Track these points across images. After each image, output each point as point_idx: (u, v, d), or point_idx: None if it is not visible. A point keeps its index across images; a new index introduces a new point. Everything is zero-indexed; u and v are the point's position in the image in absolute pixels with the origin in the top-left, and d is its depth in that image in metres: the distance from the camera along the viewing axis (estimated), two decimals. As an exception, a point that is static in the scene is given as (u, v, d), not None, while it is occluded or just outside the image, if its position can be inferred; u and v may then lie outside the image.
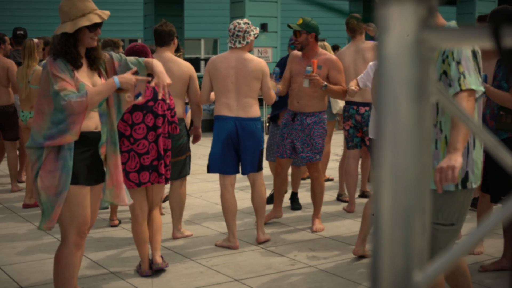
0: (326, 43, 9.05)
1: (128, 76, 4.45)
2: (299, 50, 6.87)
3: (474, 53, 3.67)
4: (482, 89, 3.65)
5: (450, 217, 3.76)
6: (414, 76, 0.78)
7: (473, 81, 3.63)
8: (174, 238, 6.59)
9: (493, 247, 6.00)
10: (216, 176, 9.63)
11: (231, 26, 6.31)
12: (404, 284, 0.81)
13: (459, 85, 3.63)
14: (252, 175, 6.44)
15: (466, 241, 0.81)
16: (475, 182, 3.79)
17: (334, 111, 8.94)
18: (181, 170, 6.56)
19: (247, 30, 6.29)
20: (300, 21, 6.80)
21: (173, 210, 6.59)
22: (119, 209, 7.53)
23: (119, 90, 4.49)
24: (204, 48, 26.25)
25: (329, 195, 8.50)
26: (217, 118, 6.30)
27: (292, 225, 7.17)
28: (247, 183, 8.35)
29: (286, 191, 7.45)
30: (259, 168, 6.44)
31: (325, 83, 6.55)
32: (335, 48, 12.93)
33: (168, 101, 5.29)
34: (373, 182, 0.82)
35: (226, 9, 17.40)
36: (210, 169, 6.39)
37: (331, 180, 9.63)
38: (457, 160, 3.39)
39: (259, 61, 6.38)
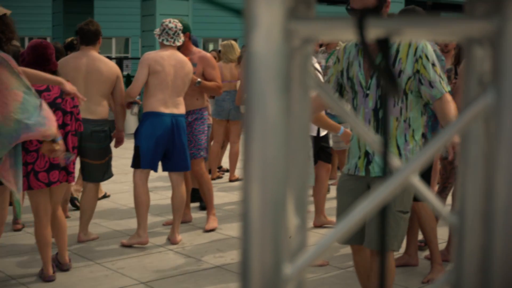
0: (233, 42, 9.15)
1: None
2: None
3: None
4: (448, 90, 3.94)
5: (408, 205, 3.98)
6: (282, 68, 0.78)
7: (446, 83, 3.94)
8: (80, 241, 6.47)
9: (397, 245, 6.12)
10: (124, 178, 9.54)
11: (171, 25, 6.35)
12: (274, 278, 0.81)
13: (443, 87, 3.89)
14: (177, 174, 6.43)
15: (334, 232, 0.81)
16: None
17: None
18: (104, 172, 6.53)
19: (181, 29, 6.43)
20: None
21: (84, 213, 6.48)
22: (24, 213, 7.33)
23: None
24: (115, 47, 25.92)
25: (236, 195, 8.51)
26: (151, 114, 6.26)
27: (201, 225, 7.14)
28: (153, 184, 8.28)
29: (190, 192, 7.41)
30: (189, 166, 6.50)
31: (199, 79, 6.67)
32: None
33: (74, 98, 5.26)
34: (242, 177, 0.81)
35: (137, 7, 17.24)
36: (142, 164, 6.30)
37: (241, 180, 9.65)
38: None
39: (189, 61, 6.57)
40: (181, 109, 6.39)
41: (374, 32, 0.76)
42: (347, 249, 6.16)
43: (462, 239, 0.88)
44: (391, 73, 0.77)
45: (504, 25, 0.73)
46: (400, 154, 3.92)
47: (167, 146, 6.31)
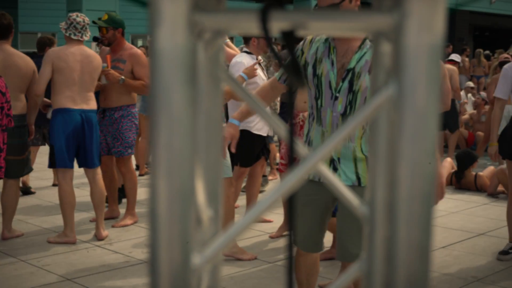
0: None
1: None
2: (107, 45, 6.88)
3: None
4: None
5: None
6: (187, 61, 0.78)
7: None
8: (4, 238, 6.34)
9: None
10: (49, 174, 9.37)
11: (79, 19, 6.22)
12: (182, 269, 0.81)
13: None
14: (92, 170, 6.35)
15: (241, 223, 0.82)
16: None
17: None
18: (24, 167, 6.40)
19: (88, 23, 6.32)
20: (106, 17, 6.77)
21: (6, 209, 6.35)
22: None
23: None
24: (41, 42, 25.44)
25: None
26: (60, 111, 6.14)
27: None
28: (80, 180, 8.18)
29: (117, 188, 7.33)
30: (100, 162, 6.41)
31: (122, 77, 6.57)
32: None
33: (6, 94, 5.14)
34: (150, 167, 0.82)
35: (63, 2, 16.95)
36: (58, 164, 6.19)
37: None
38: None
39: (98, 56, 6.48)
40: (91, 105, 6.29)
41: (279, 25, 0.78)
42: (276, 243, 6.21)
43: (373, 229, 0.90)
44: (296, 66, 0.78)
45: (403, 20, 0.76)
46: (367, 162, 3.66)
47: (78, 142, 6.23)
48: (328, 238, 5.95)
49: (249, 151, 6.24)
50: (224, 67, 0.98)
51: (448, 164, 9.65)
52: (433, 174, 0.78)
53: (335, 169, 3.71)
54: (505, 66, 5.74)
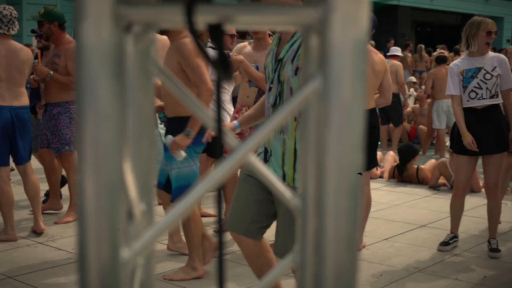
0: None
1: None
2: (46, 40, 6.77)
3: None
4: None
5: None
6: (113, 54, 0.78)
7: None
8: None
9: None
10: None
11: (6, 12, 6.07)
12: (111, 263, 0.81)
13: None
14: (22, 166, 6.26)
15: (170, 215, 0.82)
16: None
17: None
18: None
19: (16, 16, 6.15)
20: (42, 10, 6.65)
21: None
22: None
23: None
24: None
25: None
26: None
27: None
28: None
29: (58, 181, 7.24)
30: (30, 157, 6.32)
31: (50, 72, 6.48)
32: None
33: None
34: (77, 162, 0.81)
35: (3, -5, 16.63)
36: None
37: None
38: None
39: (28, 49, 6.27)
40: (22, 101, 6.16)
41: (205, 18, 0.78)
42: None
43: (305, 222, 0.91)
44: (224, 59, 0.78)
45: (329, 14, 0.76)
46: (296, 157, 3.60)
47: (10, 139, 6.12)
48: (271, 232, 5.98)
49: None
50: (156, 61, 0.97)
51: (390, 158, 9.78)
52: (359, 167, 0.79)
53: (265, 161, 3.66)
54: (451, 65, 5.85)
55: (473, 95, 5.64)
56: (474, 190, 8.30)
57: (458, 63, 5.76)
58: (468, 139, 5.63)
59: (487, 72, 5.61)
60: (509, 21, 32.00)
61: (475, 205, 7.59)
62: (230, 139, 0.87)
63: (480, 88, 5.61)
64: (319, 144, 0.79)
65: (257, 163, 0.90)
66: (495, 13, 30.68)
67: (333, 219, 0.80)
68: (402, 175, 9.16)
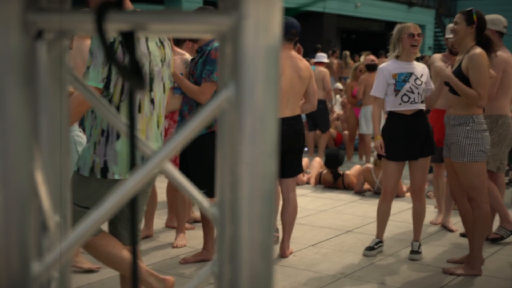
0: None
1: None
2: None
3: (112, 44, 3.40)
4: (100, 86, 3.51)
5: (84, 201, 3.64)
6: (21, 61, 0.76)
7: (92, 77, 3.51)
8: None
9: (196, 239, 6.20)
10: None
11: None
12: (21, 277, 0.79)
13: (85, 79, 3.52)
14: None
15: (83, 227, 0.81)
16: (119, 173, 3.62)
17: None
18: None
19: None
20: None
21: None
22: None
23: None
24: None
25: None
26: None
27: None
28: None
29: None
30: None
31: None
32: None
33: None
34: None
35: None
36: None
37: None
38: None
39: None
40: None
41: (117, 26, 0.77)
42: (190, 269, 6.15)
43: (222, 230, 0.91)
44: (137, 67, 0.77)
45: (241, 21, 0.76)
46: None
47: None
48: (201, 240, 5.97)
49: None
50: (70, 68, 0.96)
51: (317, 164, 9.88)
52: (273, 174, 0.80)
53: None
54: (380, 67, 5.96)
55: (405, 98, 5.76)
56: (398, 195, 8.46)
57: (388, 66, 5.87)
58: (377, 142, 5.78)
59: (418, 78, 5.75)
60: (430, 29, 32.79)
61: (400, 210, 7.73)
62: (145, 147, 0.86)
63: (412, 92, 5.73)
64: (233, 152, 0.79)
65: (174, 171, 0.90)
66: (418, 21, 31.35)
67: (247, 226, 0.80)
68: (328, 180, 9.25)
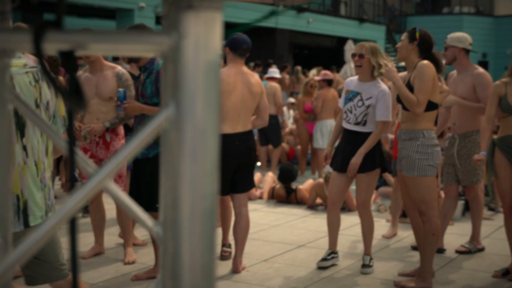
0: None
1: None
2: None
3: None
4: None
5: (52, 256, 3.56)
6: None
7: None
8: None
9: (147, 256, 6.16)
10: None
11: None
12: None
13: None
14: None
15: (21, 248, 0.80)
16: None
17: None
18: None
19: None
20: None
21: None
22: None
23: None
24: None
25: None
26: None
27: None
28: None
29: None
30: None
31: None
32: None
33: None
34: None
35: None
36: None
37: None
38: None
39: None
40: None
41: (56, 46, 0.76)
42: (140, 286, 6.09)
43: (165, 249, 0.91)
44: (77, 88, 0.77)
45: (180, 40, 0.77)
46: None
47: None
48: (152, 256, 5.92)
49: None
50: (10, 86, 0.95)
51: (269, 179, 9.90)
52: (214, 193, 0.80)
53: (24, 209, 3.37)
54: (347, 80, 6.05)
55: (344, 115, 5.87)
56: (350, 209, 8.52)
57: (349, 81, 6.00)
58: (325, 151, 5.96)
59: (361, 100, 5.82)
60: (381, 44, 33.20)
61: (352, 224, 7.78)
62: (85, 164, 0.86)
63: (350, 112, 5.82)
64: (173, 171, 0.79)
65: (116, 189, 0.89)
66: (369, 37, 31.75)
67: (189, 245, 0.80)
68: (280, 195, 9.28)
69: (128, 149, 0.81)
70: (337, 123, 6.07)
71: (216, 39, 0.78)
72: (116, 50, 0.82)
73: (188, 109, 0.77)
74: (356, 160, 5.75)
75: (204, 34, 0.77)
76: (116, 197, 0.89)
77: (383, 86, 5.90)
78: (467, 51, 6.56)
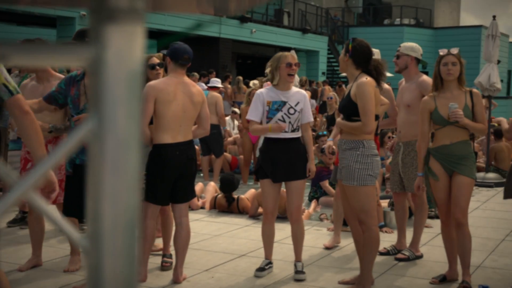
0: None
1: None
2: None
3: None
4: None
5: None
6: None
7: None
8: None
9: (87, 267, 6.07)
10: None
11: None
12: None
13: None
14: None
15: None
16: None
17: None
18: None
19: None
20: None
21: None
22: None
23: None
24: None
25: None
26: None
27: None
28: None
29: None
30: None
31: None
32: None
33: None
34: None
35: None
36: None
37: None
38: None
39: None
40: None
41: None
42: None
43: (91, 261, 0.90)
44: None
45: (102, 52, 0.76)
46: None
47: None
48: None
49: None
50: None
51: (211, 188, 9.89)
52: (136, 205, 0.80)
53: None
54: (258, 92, 6.06)
55: None
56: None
57: (264, 92, 6.00)
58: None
59: (291, 107, 5.90)
60: (324, 55, 33.54)
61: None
62: (7, 176, 0.84)
63: (284, 121, 5.88)
64: (95, 183, 0.79)
65: (40, 201, 0.88)
66: (311, 47, 32.06)
67: (110, 258, 0.79)
68: (222, 205, 9.27)
69: (50, 161, 0.80)
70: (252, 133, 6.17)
71: (137, 50, 0.77)
72: (37, 61, 0.81)
73: (109, 120, 0.77)
74: (313, 166, 6.09)
75: (125, 45, 0.77)
76: (40, 208, 0.88)
77: (301, 90, 6.23)
78: (417, 61, 6.74)
